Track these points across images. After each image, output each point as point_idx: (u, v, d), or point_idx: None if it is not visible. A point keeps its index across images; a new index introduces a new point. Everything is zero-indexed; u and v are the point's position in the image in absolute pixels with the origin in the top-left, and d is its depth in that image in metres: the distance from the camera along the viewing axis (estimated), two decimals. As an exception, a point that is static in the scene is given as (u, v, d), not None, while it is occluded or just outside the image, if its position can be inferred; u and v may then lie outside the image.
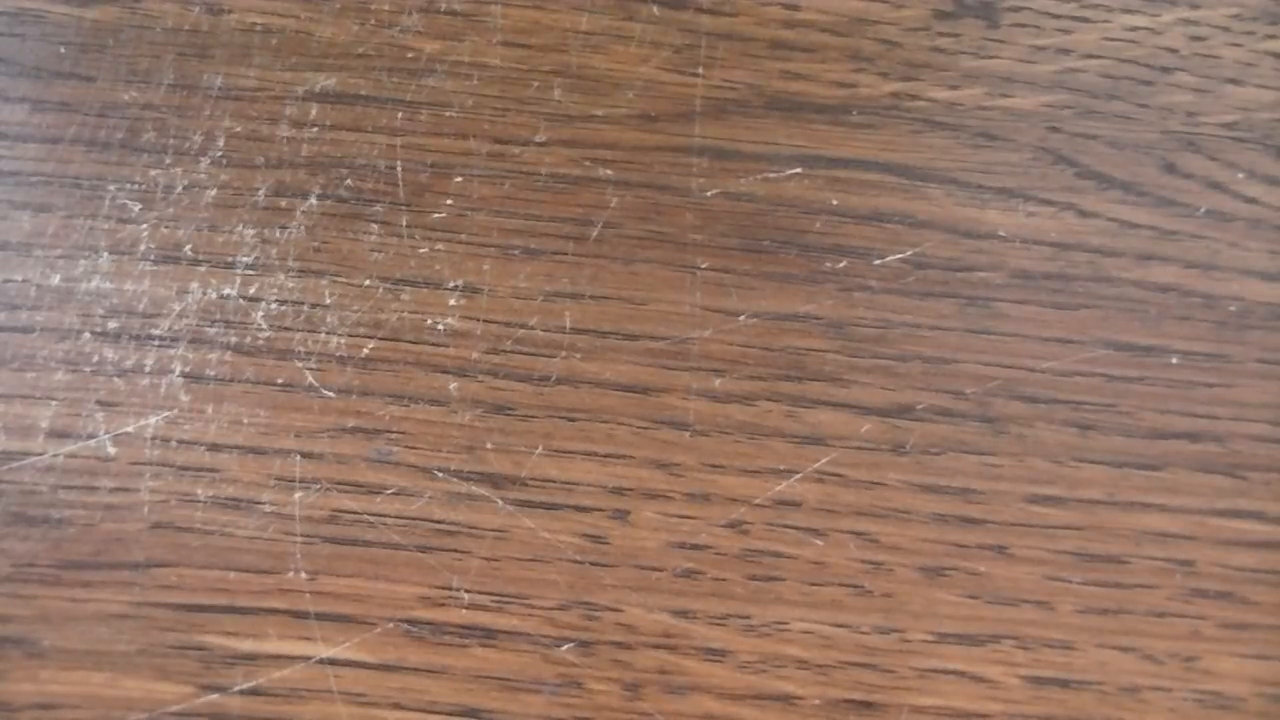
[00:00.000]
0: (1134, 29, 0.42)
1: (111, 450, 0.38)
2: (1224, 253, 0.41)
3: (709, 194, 0.40)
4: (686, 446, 0.39)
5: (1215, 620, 0.39)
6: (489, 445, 0.39)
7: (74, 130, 0.40)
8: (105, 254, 0.39)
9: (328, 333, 0.39)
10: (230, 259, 0.39)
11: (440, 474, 0.39)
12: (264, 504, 0.38)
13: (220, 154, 0.40)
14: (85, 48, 0.40)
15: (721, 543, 0.39)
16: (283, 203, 0.40)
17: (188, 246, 0.39)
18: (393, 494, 0.38)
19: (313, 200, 0.40)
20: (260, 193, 0.40)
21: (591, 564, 0.38)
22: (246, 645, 0.38)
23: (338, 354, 0.39)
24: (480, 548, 0.38)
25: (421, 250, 0.40)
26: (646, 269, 0.40)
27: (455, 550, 0.38)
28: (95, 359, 0.39)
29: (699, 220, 0.40)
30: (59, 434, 0.38)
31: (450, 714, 0.38)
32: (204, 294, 0.39)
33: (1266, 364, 0.41)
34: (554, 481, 0.39)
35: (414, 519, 0.38)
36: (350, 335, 0.39)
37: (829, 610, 0.39)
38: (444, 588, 0.38)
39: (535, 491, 0.39)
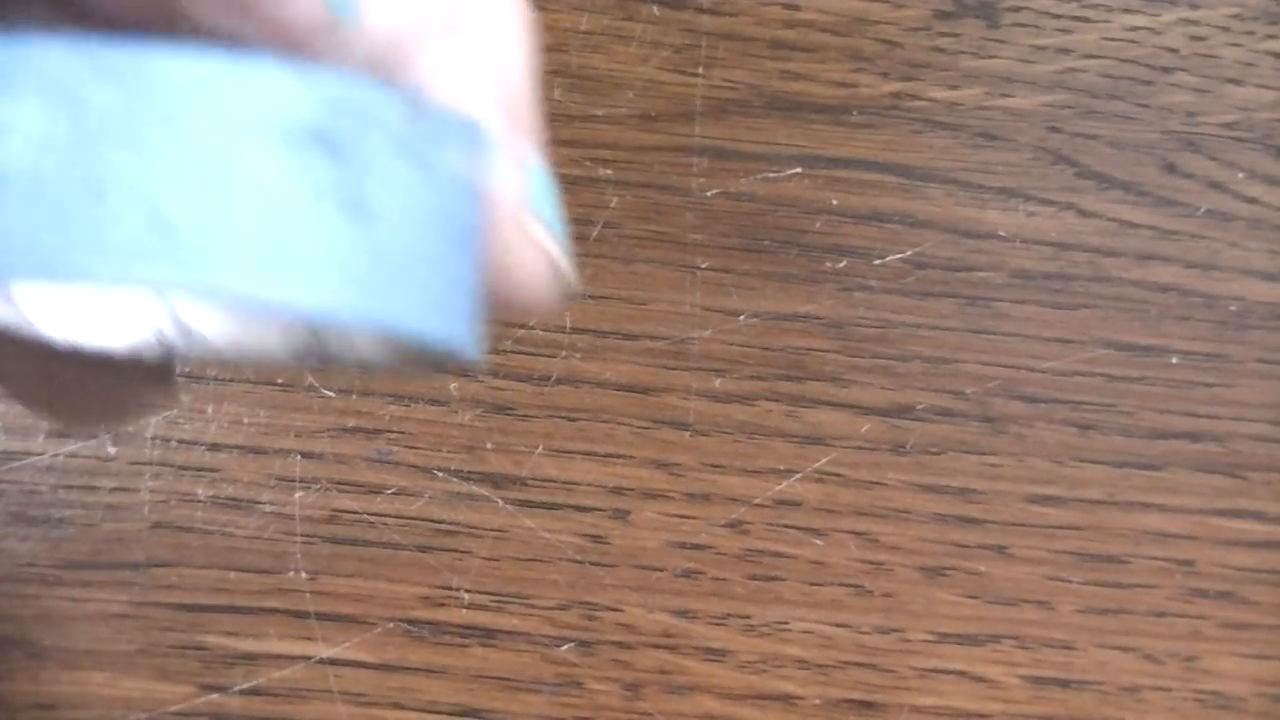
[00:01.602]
0: (1134, 29, 0.42)
1: (111, 450, 0.38)
2: (1224, 253, 0.41)
3: (709, 194, 0.40)
4: (686, 446, 0.39)
5: (1215, 620, 0.39)
6: (489, 445, 0.39)
7: (74, 130, 0.40)
8: (105, 254, 0.39)
9: (328, 333, 0.39)
10: (230, 259, 0.39)
11: (440, 474, 0.39)
12: (264, 504, 0.38)
13: (220, 154, 0.40)
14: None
15: (721, 543, 0.39)
16: (283, 203, 0.40)
17: (188, 246, 0.39)
18: (393, 494, 0.38)
19: (313, 200, 0.40)
20: (260, 193, 0.40)
21: (591, 564, 0.38)
22: (246, 645, 0.38)
23: (338, 354, 0.39)
24: (480, 548, 0.38)
25: (421, 250, 0.39)
26: (646, 269, 0.40)
27: (455, 550, 0.38)
28: (95, 359, 0.39)
29: (699, 220, 0.40)
30: (59, 434, 0.38)
31: (450, 714, 0.38)
32: (204, 294, 0.39)
33: (1267, 364, 0.41)
34: (554, 481, 0.39)
35: (414, 519, 0.38)
36: (350, 335, 0.39)
37: (829, 610, 0.39)
38: (444, 588, 0.38)
39: (535, 491, 0.39)
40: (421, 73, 0.21)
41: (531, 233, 0.22)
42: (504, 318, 0.24)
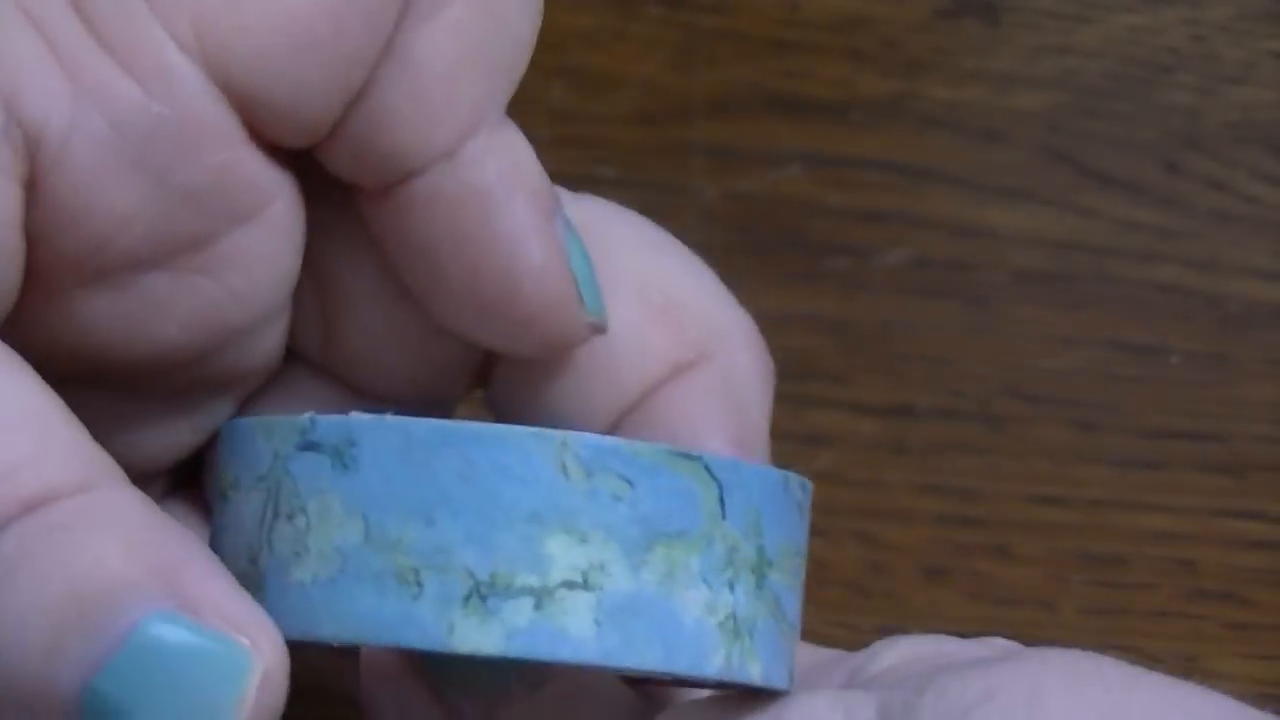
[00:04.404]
0: (1135, 28, 0.42)
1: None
2: (1226, 252, 0.41)
3: (709, 194, 0.40)
4: (687, 447, 0.39)
5: (1217, 620, 0.39)
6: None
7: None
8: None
9: (328, 333, 0.39)
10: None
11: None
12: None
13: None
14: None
15: (722, 543, 0.39)
16: (283, 203, 0.40)
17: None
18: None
19: (313, 201, 0.40)
20: (260, 193, 0.40)
21: (592, 564, 0.38)
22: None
23: (338, 354, 0.39)
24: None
25: (421, 250, 0.39)
26: (647, 269, 0.40)
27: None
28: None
29: (699, 220, 0.40)
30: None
31: (450, 714, 0.38)
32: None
33: (1268, 364, 0.41)
34: (554, 482, 0.39)
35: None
36: (350, 335, 0.39)
37: (829, 610, 0.38)
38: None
39: (535, 492, 0.39)
40: (664, 405, 0.22)
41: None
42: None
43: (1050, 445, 0.40)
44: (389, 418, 0.19)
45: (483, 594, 0.18)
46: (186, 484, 0.24)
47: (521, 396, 0.23)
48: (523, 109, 0.40)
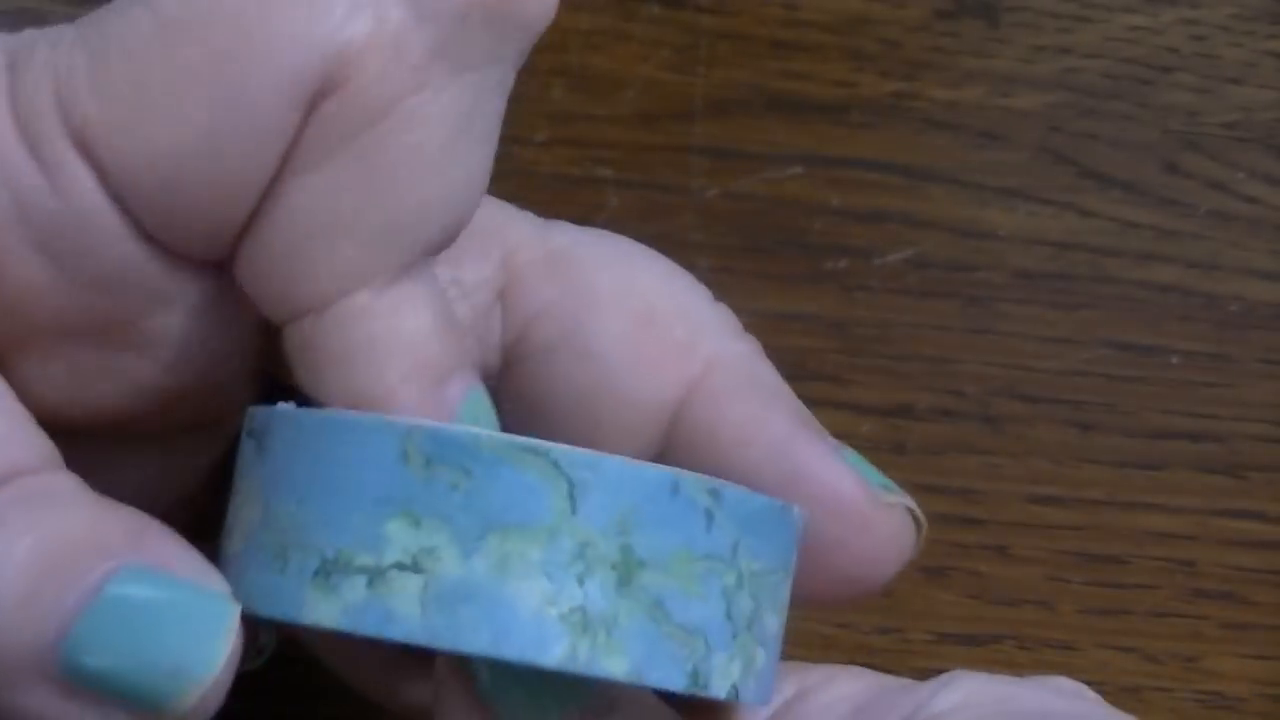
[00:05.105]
0: (1134, 28, 0.42)
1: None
2: (1225, 253, 0.41)
3: (709, 194, 0.40)
4: (687, 446, 0.39)
5: (1216, 620, 0.39)
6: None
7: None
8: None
9: (328, 333, 0.39)
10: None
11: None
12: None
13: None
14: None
15: (722, 543, 0.39)
16: (283, 203, 0.40)
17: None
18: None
19: (313, 200, 0.40)
20: (260, 193, 0.40)
21: (591, 564, 0.38)
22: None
23: (338, 354, 0.39)
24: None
25: (421, 250, 0.39)
26: (646, 269, 0.40)
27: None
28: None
29: (699, 220, 0.40)
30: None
31: (450, 714, 0.38)
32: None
33: (1268, 364, 0.41)
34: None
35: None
36: (350, 335, 0.39)
37: (829, 610, 0.38)
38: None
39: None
40: (713, 420, 0.23)
41: (886, 502, 0.25)
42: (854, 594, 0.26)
43: (1050, 445, 0.40)
44: (290, 409, 0.20)
45: (328, 571, 0.19)
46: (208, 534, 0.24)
47: (542, 416, 0.24)
48: (523, 109, 0.40)
